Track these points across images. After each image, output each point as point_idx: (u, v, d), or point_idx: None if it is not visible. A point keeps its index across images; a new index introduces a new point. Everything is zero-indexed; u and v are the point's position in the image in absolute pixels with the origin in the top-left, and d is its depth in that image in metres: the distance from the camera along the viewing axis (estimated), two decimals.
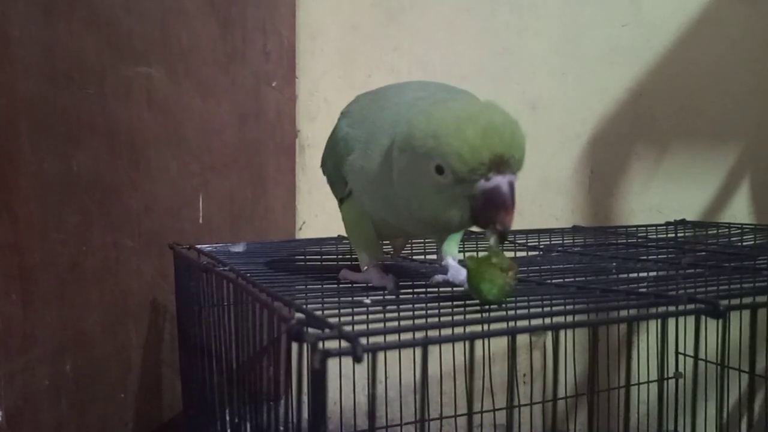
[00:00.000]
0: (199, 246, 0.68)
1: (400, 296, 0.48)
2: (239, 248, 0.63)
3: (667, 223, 0.95)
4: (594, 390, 0.86)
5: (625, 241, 0.73)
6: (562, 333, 0.90)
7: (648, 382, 0.93)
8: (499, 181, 0.39)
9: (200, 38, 0.86)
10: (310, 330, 0.28)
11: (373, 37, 1.24)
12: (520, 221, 1.22)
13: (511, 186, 0.39)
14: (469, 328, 0.33)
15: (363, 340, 0.26)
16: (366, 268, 0.54)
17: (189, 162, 0.83)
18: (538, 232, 0.82)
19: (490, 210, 0.39)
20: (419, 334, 0.28)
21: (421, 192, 0.43)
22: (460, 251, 0.60)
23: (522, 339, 1.05)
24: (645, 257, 0.57)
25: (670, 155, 1.17)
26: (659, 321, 0.35)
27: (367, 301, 0.44)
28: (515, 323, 0.32)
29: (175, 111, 0.80)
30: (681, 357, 0.92)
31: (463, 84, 1.30)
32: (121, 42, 0.68)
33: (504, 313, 0.41)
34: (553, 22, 1.19)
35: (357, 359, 0.25)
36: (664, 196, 1.16)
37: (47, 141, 0.58)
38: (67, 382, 0.61)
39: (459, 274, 0.51)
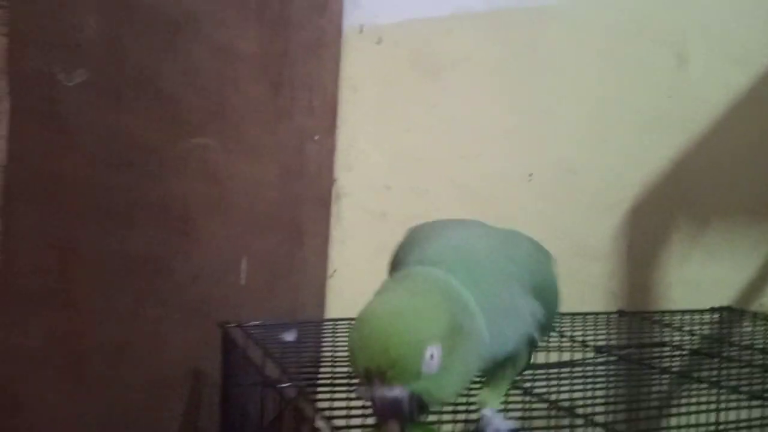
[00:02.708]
0: (246, 324, 0.67)
1: None
2: (291, 337, 0.63)
3: (712, 309, 0.93)
4: None
5: (687, 345, 0.71)
6: None
7: None
8: (376, 393, 0.36)
9: (252, 102, 0.87)
10: None
11: (412, 93, 1.25)
12: None
13: (391, 399, 0.36)
14: None
15: None
16: None
17: (234, 226, 0.84)
18: (584, 315, 0.81)
19: (377, 417, 0.37)
20: None
21: None
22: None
23: None
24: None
25: (710, 230, 1.16)
26: None
27: None
28: None
29: (224, 178, 0.80)
30: None
31: (503, 144, 1.28)
32: (182, 117, 0.69)
33: None
34: (593, 87, 1.18)
35: None
36: (703, 271, 1.14)
37: (106, 225, 0.58)
38: None
39: (493, 424, 0.46)
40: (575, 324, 0.79)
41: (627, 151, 1.18)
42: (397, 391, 0.36)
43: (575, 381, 0.61)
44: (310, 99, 1.09)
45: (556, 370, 0.65)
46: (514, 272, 0.44)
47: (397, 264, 0.48)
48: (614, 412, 0.54)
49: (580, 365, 0.65)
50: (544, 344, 0.55)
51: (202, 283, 0.76)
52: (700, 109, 1.15)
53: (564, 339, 0.72)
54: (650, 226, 1.17)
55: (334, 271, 1.30)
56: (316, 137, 1.14)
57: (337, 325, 0.73)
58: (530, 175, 1.20)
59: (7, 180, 0.46)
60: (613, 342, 0.75)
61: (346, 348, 0.37)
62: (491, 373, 0.48)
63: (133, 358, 0.63)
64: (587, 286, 1.15)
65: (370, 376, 0.36)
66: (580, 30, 1.19)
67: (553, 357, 0.73)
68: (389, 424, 0.36)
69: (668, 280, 1.16)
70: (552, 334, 0.70)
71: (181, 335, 0.72)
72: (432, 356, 0.36)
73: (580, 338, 0.71)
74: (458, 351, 0.38)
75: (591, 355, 0.68)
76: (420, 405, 0.37)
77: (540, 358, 0.68)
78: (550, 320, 0.47)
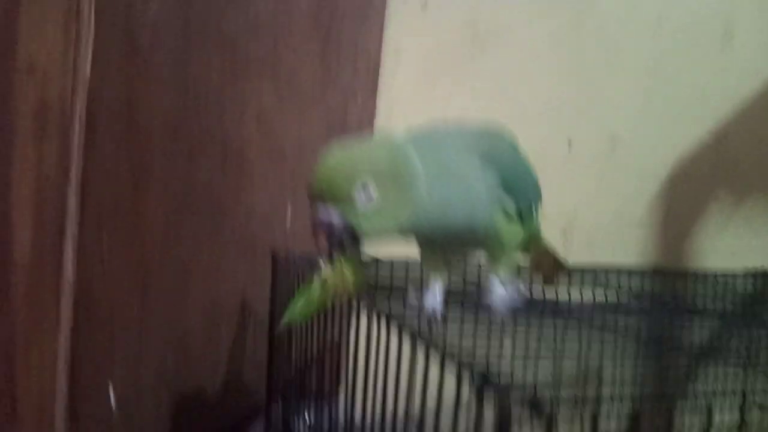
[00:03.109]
0: (295, 255, 0.71)
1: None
2: None
3: (745, 272, 0.94)
4: None
5: (718, 305, 0.72)
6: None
7: None
8: (316, 212, 0.45)
9: (302, 56, 0.90)
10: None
11: (456, 59, 1.27)
12: (590, 253, 1.22)
13: (325, 216, 0.44)
14: None
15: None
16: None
17: (283, 173, 0.88)
18: (618, 271, 0.83)
19: (314, 233, 0.45)
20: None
21: None
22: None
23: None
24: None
25: (749, 201, 1.16)
26: None
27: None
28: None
29: (278, 126, 0.84)
30: None
31: (545, 113, 1.31)
32: (241, 61, 0.73)
33: None
34: (639, 59, 1.19)
35: (540, 418, 0.28)
36: (739, 241, 1.14)
37: (173, 156, 0.63)
38: (168, 374, 0.66)
39: (492, 295, 0.52)
40: (609, 274, 0.81)
41: (668, 121, 1.18)
42: (332, 213, 0.44)
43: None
44: (355, 60, 1.12)
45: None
46: (468, 148, 0.50)
47: None
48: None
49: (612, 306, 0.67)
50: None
51: (253, 223, 0.80)
52: (744, 82, 1.14)
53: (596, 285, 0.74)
54: (689, 196, 1.17)
55: None
56: (359, 98, 1.17)
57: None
58: (570, 142, 1.22)
59: (91, 95, 0.50)
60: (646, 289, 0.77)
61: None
62: (463, 242, 0.53)
63: (191, 282, 0.68)
64: (624, 254, 1.16)
65: (315, 197, 0.44)
66: (628, 2, 1.19)
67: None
68: (320, 240, 0.44)
69: (705, 249, 1.16)
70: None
71: (234, 269, 0.77)
72: (365, 188, 0.43)
73: (615, 285, 0.73)
74: (392, 195, 0.44)
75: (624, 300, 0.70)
76: (351, 234, 0.44)
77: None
78: (517, 185, 0.52)
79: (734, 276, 0.90)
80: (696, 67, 1.16)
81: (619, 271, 0.85)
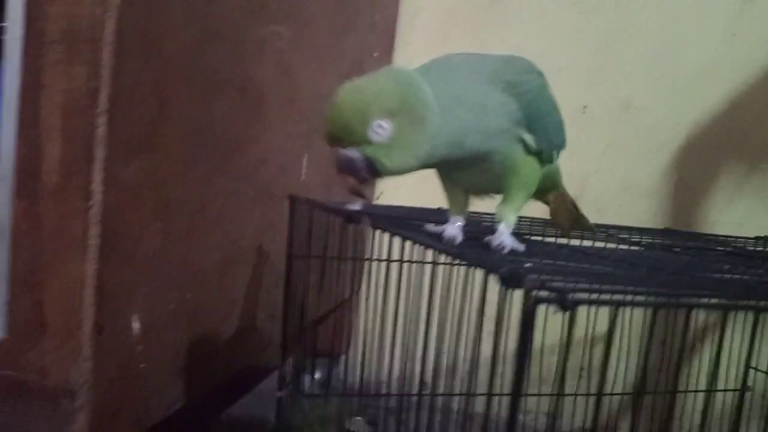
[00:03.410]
0: (312, 200, 0.72)
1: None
2: (357, 206, 0.67)
3: (756, 238, 0.95)
4: (642, 390, 0.88)
5: (723, 249, 0.74)
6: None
7: (714, 390, 0.94)
8: (336, 154, 0.45)
9: (322, 5, 0.90)
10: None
11: (473, 19, 1.26)
12: (599, 218, 1.23)
13: (345, 158, 0.45)
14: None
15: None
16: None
17: (300, 123, 0.88)
18: (630, 229, 0.84)
19: (339, 173, 0.47)
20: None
21: None
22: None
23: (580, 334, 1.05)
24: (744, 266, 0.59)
25: (759, 171, 1.16)
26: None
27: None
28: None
29: (295, 72, 0.84)
30: (752, 372, 0.93)
31: (559, 76, 1.31)
32: (261, 2, 0.73)
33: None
34: (654, 24, 1.18)
35: (565, 308, 0.29)
36: (749, 211, 1.15)
37: (194, 89, 0.63)
38: (187, 309, 0.67)
39: (498, 240, 0.51)
40: (621, 231, 0.81)
41: (683, 89, 1.18)
42: (351, 152, 0.45)
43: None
44: (372, 15, 1.11)
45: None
46: (489, 77, 0.49)
47: None
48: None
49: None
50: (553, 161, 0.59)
51: (269, 167, 0.80)
52: (761, 49, 1.14)
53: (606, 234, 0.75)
54: (700, 165, 1.18)
55: (381, 193, 1.34)
56: (375, 54, 1.16)
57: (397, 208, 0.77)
58: (584, 107, 1.21)
59: (120, 20, 0.50)
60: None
61: None
62: (478, 177, 0.54)
63: (209, 219, 0.68)
64: (633, 221, 1.17)
65: (332, 141, 0.45)
66: None
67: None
68: (347, 179, 0.46)
69: (713, 219, 1.17)
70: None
71: (249, 211, 0.77)
72: (381, 126, 0.44)
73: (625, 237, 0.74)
74: (408, 129, 0.45)
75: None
76: (372, 168, 0.45)
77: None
78: (540, 123, 0.52)
79: (745, 240, 0.91)
80: (713, 32, 1.15)
81: (631, 229, 0.85)
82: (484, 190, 0.58)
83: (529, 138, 0.51)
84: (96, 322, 0.53)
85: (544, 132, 0.53)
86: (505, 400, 0.35)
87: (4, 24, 0.51)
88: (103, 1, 0.49)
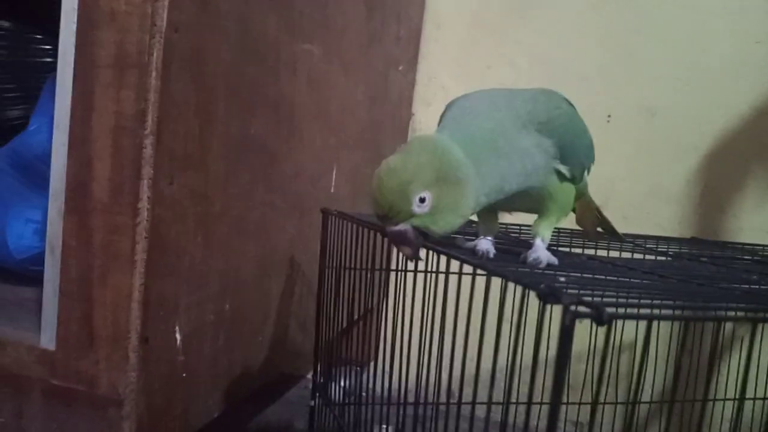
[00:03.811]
0: (344, 213, 0.74)
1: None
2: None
3: None
4: (675, 398, 0.88)
5: (750, 258, 0.74)
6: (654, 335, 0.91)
7: (754, 399, 0.93)
8: (387, 229, 0.49)
9: (350, 20, 0.92)
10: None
11: (496, 29, 1.27)
12: (625, 225, 1.24)
13: (397, 232, 0.49)
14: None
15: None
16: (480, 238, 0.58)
17: (329, 136, 0.90)
18: (657, 238, 0.84)
19: (394, 245, 0.50)
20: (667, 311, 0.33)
21: None
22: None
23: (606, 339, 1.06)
24: None
25: None
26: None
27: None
28: None
29: (325, 88, 0.86)
30: None
31: (583, 85, 1.32)
32: (294, 21, 0.75)
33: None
34: (680, 30, 1.18)
35: (601, 323, 0.30)
36: None
37: (234, 107, 0.65)
38: (225, 320, 0.69)
39: (534, 255, 0.53)
40: (648, 241, 0.82)
41: (708, 95, 1.18)
42: (401, 227, 0.49)
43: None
44: (398, 28, 1.13)
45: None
46: (523, 120, 0.52)
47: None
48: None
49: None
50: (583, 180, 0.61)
51: (301, 181, 0.82)
52: None
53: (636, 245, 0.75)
54: (726, 172, 1.17)
55: None
56: (401, 67, 1.18)
57: None
58: (609, 116, 1.22)
59: (167, 45, 0.52)
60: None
61: None
62: (515, 202, 0.56)
63: (247, 232, 0.70)
64: (660, 229, 1.17)
65: (381, 218, 0.49)
66: None
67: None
68: (402, 250, 0.50)
69: (740, 225, 1.16)
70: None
71: (283, 223, 0.79)
72: (423, 199, 0.48)
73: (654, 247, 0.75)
74: (447, 195, 0.48)
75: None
76: (423, 235, 0.49)
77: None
78: (574, 152, 0.54)
79: None
80: (738, 38, 1.15)
81: (658, 239, 0.86)
82: (518, 210, 0.60)
83: (564, 168, 0.54)
84: (142, 334, 0.55)
85: (576, 159, 0.55)
86: (534, 409, 0.36)
87: (57, 49, 0.54)
88: (150, 27, 0.51)
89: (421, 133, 1.31)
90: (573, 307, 0.31)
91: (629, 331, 0.82)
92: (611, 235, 0.73)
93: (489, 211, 0.58)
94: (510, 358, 0.44)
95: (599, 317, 0.30)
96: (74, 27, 0.53)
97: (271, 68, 0.71)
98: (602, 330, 0.33)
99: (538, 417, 0.85)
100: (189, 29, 0.55)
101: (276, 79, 0.72)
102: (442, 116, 0.57)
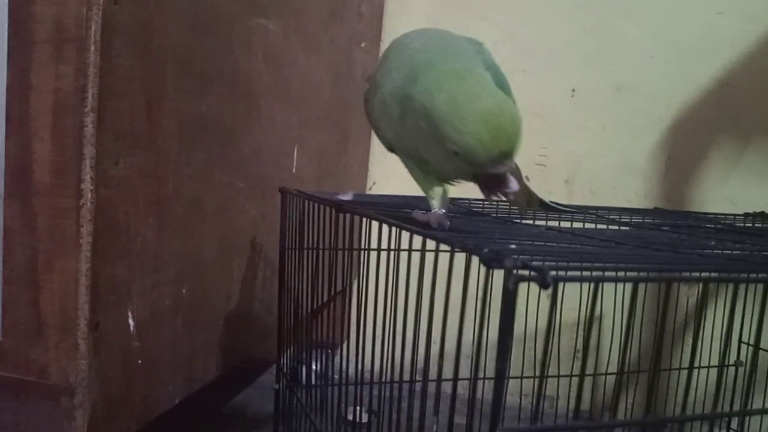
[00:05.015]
0: (306, 191, 0.72)
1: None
2: (348, 197, 0.68)
3: (746, 214, 0.95)
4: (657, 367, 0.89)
5: (712, 226, 0.74)
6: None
7: (708, 367, 0.95)
8: (504, 169, 0.47)
9: None
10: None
11: (461, 5, 1.26)
12: (593, 199, 1.24)
13: (513, 172, 0.48)
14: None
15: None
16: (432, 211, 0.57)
17: (290, 114, 0.88)
18: (620, 210, 0.84)
19: (495, 188, 0.48)
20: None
21: (432, 149, 0.49)
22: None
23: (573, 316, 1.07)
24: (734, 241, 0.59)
25: (751, 149, 1.17)
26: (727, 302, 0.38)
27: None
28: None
29: (284, 64, 0.84)
30: (743, 346, 0.94)
31: (551, 59, 1.31)
32: None
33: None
34: (648, 3, 1.18)
35: (545, 286, 0.29)
36: (741, 189, 1.16)
37: (186, 83, 0.63)
38: (183, 304, 0.67)
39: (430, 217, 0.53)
40: (611, 212, 0.82)
41: (672, 68, 1.18)
42: (514, 164, 0.48)
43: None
44: (360, 4, 1.11)
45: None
46: (478, 60, 0.53)
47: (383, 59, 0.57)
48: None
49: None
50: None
51: (261, 160, 0.81)
52: (749, 27, 1.14)
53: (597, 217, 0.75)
54: (691, 144, 1.18)
55: (374, 183, 1.34)
56: (363, 44, 1.16)
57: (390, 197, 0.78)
58: (573, 90, 1.21)
59: (106, 18, 0.50)
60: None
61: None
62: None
63: (204, 213, 0.69)
64: (627, 203, 1.18)
65: (504, 157, 0.46)
66: None
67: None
68: (508, 193, 0.48)
69: (706, 197, 1.17)
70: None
71: (243, 204, 0.77)
72: None
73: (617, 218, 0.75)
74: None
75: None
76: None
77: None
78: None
79: (734, 216, 0.92)
80: (701, 9, 1.15)
81: (621, 210, 0.86)
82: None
83: None
84: (91, 320, 0.53)
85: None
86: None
87: None
88: (87, 0, 0.49)
89: None
90: (516, 271, 0.30)
91: (598, 305, 0.82)
92: (536, 207, 0.72)
93: (439, 183, 0.57)
94: (476, 333, 0.43)
95: (543, 280, 0.29)
96: (6, 0, 0.50)
97: (225, 43, 0.69)
98: (570, 304, 0.32)
99: (506, 391, 0.85)
100: (131, 1, 0.53)
101: (230, 55, 0.70)
102: (392, 52, 0.57)
